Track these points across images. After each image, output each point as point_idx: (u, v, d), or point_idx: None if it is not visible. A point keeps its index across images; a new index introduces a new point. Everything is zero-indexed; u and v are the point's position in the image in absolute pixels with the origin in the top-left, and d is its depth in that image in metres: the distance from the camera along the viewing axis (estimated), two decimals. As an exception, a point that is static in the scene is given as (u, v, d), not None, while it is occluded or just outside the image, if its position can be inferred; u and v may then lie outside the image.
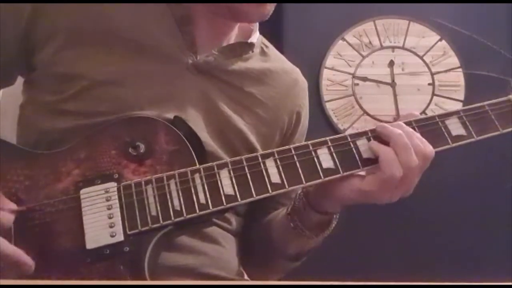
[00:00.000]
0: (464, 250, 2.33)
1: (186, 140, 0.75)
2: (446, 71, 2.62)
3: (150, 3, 0.87)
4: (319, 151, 0.74)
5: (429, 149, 0.73)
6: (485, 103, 0.78)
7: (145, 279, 0.67)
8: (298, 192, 0.84)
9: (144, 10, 0.86)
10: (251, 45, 0.93)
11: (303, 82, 1.03)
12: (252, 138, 0.89)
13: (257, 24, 0.95)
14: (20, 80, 0.91)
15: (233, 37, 0.92)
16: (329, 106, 2.57)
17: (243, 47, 0.92)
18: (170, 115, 0.79)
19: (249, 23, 0.93)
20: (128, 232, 0.68)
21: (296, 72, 1.02)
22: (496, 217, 2.36)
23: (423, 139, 0.74)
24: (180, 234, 0.76)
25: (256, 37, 0.95)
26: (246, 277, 0.94)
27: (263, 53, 0.96)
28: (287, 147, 0.74)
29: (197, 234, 0.82)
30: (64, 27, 0.82)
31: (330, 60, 2.62)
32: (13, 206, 0.69)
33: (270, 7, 0.86)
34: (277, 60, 0.99)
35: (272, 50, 0.99)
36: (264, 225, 0.95)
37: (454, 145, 0.75)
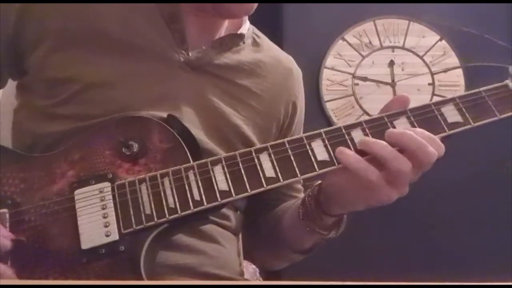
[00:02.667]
0: (464, 249, 2.33)
1: (179, 138, 0.75)
2: (446, 71, 2.62)
3: (137, 3, 0.86)
4: (313, 144, 0.72)
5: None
6: (482, 89, 0.75)
7: (141, 278, 0.66)
8: (307, 198, 0.84)
9: (132, 10, 0.85)
10: (242, 36, 0.92)
11: (298, 71, 1.02)
12: (249, 132, 0.89)
13: None
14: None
15: (223, 30, 0.92)
16: (329, 106, 2.57)
17: (234, 39, 0.91)
18: (165, 115, 0.78)
19: (234, 19, 0.92)
20: (123, 231, 0.68)
21: (290, 61, 1.01)
22: (496, 217, 2.36)
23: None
24: (177, 232, 0.75)
25: (246, 28, 0.94)
26: (246, 276, 0.94)
27: (255, 43, 0.96)
28: (281, 141, 0.73)
29: (196, 233, 0.81)
30: (52, 30, 0.82)
31: (330, 60, 2.62)
32: (10, 235, 0.68)
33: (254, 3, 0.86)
34: (270, 50, 0.98)
35: (264, 40, 0.99)
36: (273, 219, 0.94)
37: (450, 132, 0.72)
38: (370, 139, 0.71)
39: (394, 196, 0.71)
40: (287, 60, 1.01)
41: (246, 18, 0.95)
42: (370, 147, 0.70)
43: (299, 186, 0.98)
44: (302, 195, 0.97)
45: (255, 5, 0.86)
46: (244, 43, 0.93)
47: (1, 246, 0.66)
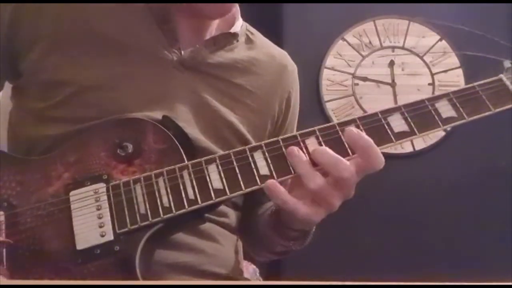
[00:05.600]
0: (464, 249, 2.33)
1: (174, 138, 0.75)
2: (446, 71, 2.62)
3: (128, 3, 0.86)
4: (307, 141, 0.72)
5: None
6: (475, 83, 0.75)
7: (136, 277, 0.66)
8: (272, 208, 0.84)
9: (124, 11, 0.85)
10: (235, 35, 0.92)
11: (292, 66, 1.02)
12: (244, 130, 0.89)
13: (239, 12, 0.94)
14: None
15: (214, 29, 0.92)
16: (329, 106, 2.57)
17: (227, 38, 0.91)
18: (160, 115, 0.78)
19: (210, 20, 0.91)
20: (118, 231, 0.68)
21: (283, 57, 1.01)
22: (496, 216, 2.35)
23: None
24: (172, 232, 0.75)
25: (239, 26, 0.94)
26: (245, 275, 0.94)
27: (248, 40, 0.96)
28: (275, 139, 0.73)
29: (195, 232, 0.81)
30: (45, 33, 0.82)
31: (330, 60, 2.62)
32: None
33: (230, 4, 0.86)
34: (264, 47, 0.98)
35: (257, 36, 0.99)
36: (256, 218, 0.95)
37: (445, 127, 0.72)
38: (319, 148, 0.71)
39: (335, 199, 0.70)
40: (281, 55, 1.01)
41: (238, 15, 0.94)
42: (315, 156, 0.70)
43: None
44: None
45: (232, 8, 0.86)
46: (237, 41, 0.93)
47: None
